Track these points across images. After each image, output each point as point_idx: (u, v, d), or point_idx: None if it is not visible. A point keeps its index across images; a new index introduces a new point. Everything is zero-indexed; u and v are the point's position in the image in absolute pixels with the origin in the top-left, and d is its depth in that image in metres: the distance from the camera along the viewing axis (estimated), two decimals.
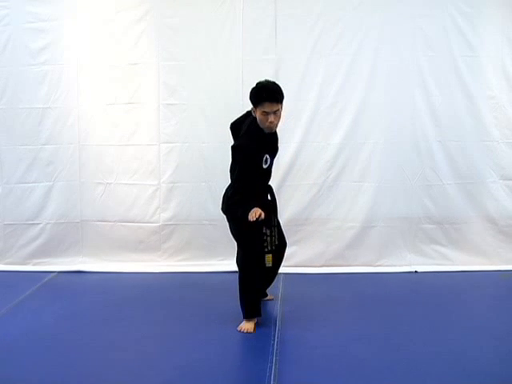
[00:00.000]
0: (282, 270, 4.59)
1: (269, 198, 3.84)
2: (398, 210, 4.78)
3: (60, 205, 4.88)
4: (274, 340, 3.41)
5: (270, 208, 3.76)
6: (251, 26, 4.68)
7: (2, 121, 4.84)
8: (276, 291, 4.22)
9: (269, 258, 3.73)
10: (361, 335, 3.48)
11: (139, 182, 4.85)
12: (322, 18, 4.67)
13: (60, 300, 4.18)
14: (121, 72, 4.76)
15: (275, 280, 4.06)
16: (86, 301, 4.16)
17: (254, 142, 3.57)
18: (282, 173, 4.74)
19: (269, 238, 3.72)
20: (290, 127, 4.72)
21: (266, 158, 3.57)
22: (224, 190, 3.71)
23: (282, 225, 3.97)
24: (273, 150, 3.71)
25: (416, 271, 4.73)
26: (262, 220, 3.44)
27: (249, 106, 3.65)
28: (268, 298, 4.09)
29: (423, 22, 4.65)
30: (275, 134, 3.75)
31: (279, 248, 3.86)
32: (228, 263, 4.54)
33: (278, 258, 3.92)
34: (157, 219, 4.85)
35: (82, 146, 4.85)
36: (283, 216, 4.67)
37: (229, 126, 3.93)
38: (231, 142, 4.75)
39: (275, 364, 3.09)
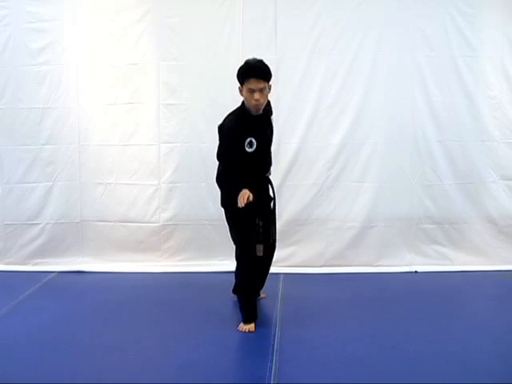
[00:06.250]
0: (281, 270, 4.61)
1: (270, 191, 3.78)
2: (398, 210, 4.77)
3: (60, 205, 4.88)
4: (274, 340, 3.41)
5: (267, 200, 3.70)
6: (251, 26, 4.68)
7: (2, 121, 4.84)
8: (276, 291, 4.22)
9: (260, 248, 3.65)
10: (361, 335, 3.48)
11: (139, 181, 4.85)
12: (321, 17, 4.67)
13: (60, 300, 4.18)
14: (121, 72, 4.76)
15: (267, 282, 4.01)
16: (86, 301, 4.17)
17: (236, 122, 3.50)
18: (282, 173, 4.74)
19: (261, 230, 3.64)
20: (290, 127, 4.72)
21: (251, 141, 3.47)
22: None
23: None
24: (262, 135, 3.60)
25: (416, 271, 4.73)
26: (253, 204, 3.35)
27: None
28: (261, 296, 4.05)
29: (423, 22, 4.65)
30: (267, 118, 3.67)
31: (269, 249, 3.80)
32: (228, 263, 4.54)
33: (268, 260, 3.87)
34: (157, 219, 4.85)
35: (82, 146, 4.85)
36: (283, 216, 4.68)
37: None
38: None
39: (275, 364, 3.10)
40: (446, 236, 4.80)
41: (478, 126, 4.74)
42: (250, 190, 3.39)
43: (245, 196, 3.35)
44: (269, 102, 3.70)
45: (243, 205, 3.33)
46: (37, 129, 4.83)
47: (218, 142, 3.63)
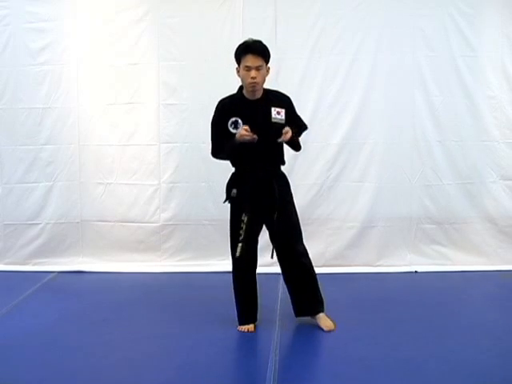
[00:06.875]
0: None
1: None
2: (398, 210, 4.78)
3: (60, 205, 4.88)
4: (274, 340, 3.41)
5: (262, 196, 3.49)
6: (251, 26, 4.67)
7: (2, 121, 4.85)
8: (276, 291, 4.22)
9: (239, 248, 3.47)
10: (361, 335, 3.48)
11: (139, 181, 4.85)
12: (321, 17, 4.68)
13: (60, 300, 4.18)
14: (121, 72, 4.76)
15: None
16: (86, 301, 4.16)
17: (227, 100, 3.49)
18: None
19: (244, 226, 3.46)
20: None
21: (236, 122, 3.37)
22: None
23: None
24: (255, 122, 3.37)
25: (416, 271, 4.73)
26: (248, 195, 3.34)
27: None
28: (322, 325, 3.54)
29: (423, 21, 4.66)
30: (266, 107, 3.43)
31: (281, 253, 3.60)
32: (228, 263, 4.53)
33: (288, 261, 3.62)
34: (157, 219, 4.85)
35: (82, 146, 4.85)
36: None
37: None
38: None
39: (275, 364, 3.09)
40: (445, 236, 4.81)
41: (478, 126, 4.74)
42: (245, 187, 3.38)
43: (242, 132, 3.31)
44: (286, 98, 3.55)
45: (248, 134, 3.29)
46: (37, 129, 4.83)
47: None
